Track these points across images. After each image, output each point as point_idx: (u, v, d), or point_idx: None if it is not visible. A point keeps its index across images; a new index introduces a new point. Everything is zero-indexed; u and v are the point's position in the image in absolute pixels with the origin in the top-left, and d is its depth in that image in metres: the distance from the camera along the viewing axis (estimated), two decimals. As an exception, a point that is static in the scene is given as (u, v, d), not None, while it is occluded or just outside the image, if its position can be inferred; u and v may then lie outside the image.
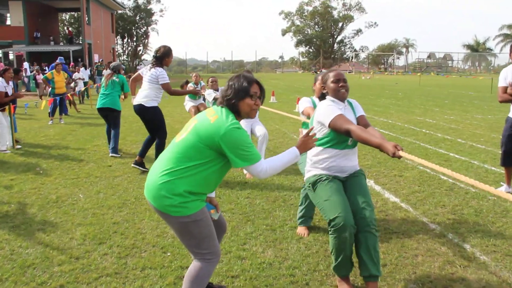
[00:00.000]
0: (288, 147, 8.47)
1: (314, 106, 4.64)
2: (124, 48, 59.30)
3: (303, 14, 78.17)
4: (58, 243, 4.10)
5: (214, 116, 2.66)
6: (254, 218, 4.77)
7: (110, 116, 8.14)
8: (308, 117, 4.54)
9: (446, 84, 34.54)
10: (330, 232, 3.19)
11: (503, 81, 5.47)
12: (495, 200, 5.40)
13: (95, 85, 22.97)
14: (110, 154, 7.88)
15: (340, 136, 3.33)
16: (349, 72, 63.87)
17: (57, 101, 12.36)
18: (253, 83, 2.76)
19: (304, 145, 2.85)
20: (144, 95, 6.48)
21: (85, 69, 20.47)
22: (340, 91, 3.42)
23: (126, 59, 58.27)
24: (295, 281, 3.45)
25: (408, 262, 3.78)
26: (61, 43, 40.81)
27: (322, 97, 3.64)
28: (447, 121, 12.80)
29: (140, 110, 6.52)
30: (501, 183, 6.16)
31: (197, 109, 9.92)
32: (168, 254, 3.89)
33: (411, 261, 3.79)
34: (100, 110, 8.11)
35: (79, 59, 34.76)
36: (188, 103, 10.17)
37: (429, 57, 75.60)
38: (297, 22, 78.98)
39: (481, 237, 4.29)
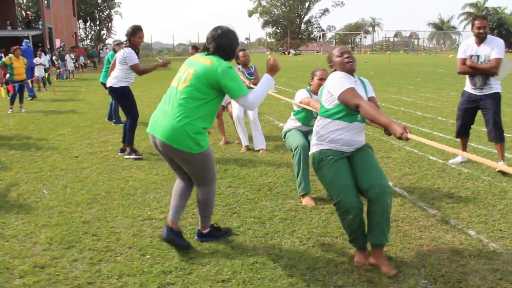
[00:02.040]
0: (272, 132, 8.06)
1: (311, 96, 4.73)
2: (87, 32, 57.46)
3: (270, -6, 77.32)
4: (20, 250, 3.58)
5: (209, 61, 3.25)
6: (239, 210, 4.35)
7: None
8: (307, 104, 4.56)
9: (415, 62, 34.65)
10: (338, 214, 3.25)
11: (463, 53, 5.57)
12: (490, 180, 5.14)
13: (58, 71, 21.93)
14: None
15: (349, 109, 3.16)
16: (317, 52, 63.70)
17: (17, 88, 11.54)
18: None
19: (273, 69, 3.46)
20: (114, 76, 6.43)
21: (45, 54, 19.38)
22: (347, 63, 3.31)
23: (90, 43, 56.45)
24: (294, 282, 3.06)
25: (414, 254, 3.44)
26: (20, 28, 38.97)
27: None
28: (423, 99, 12.62)
29: (110, 91, 6.55)
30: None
31: None
32: (147, 257, 3.44)
33: (417, 253, 3.45)
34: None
35: (40, 44, 33.31)
36: None
37: (395, 36, 76.10)
38: (264, 3, 78.11)
39: (485, 222, 4.00)
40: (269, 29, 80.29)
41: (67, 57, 23.16)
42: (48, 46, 31.30)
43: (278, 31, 79.90)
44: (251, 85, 6.08)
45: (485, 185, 4.97)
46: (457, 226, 3.93)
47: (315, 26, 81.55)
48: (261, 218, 4.15)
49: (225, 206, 4.45)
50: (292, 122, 4.94)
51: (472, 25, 5.49)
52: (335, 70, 3.39)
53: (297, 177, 4.58)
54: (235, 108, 6.83)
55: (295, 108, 4.88)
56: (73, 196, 4.81)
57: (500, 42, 5.41)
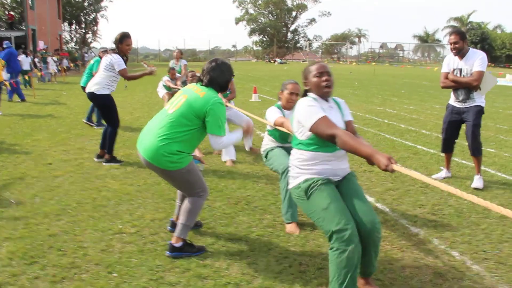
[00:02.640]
0: (253, 143, 7.90)
1: (283, 114, 4.28)
2: (72, 35, 56.80)
3: (257, 3, 77.58)
4: (-23, 265, 3.35)
5: (202, 92, 3.43)
6: (214, 225, 4.17)
7: None
8: (281, 126, 4.09)
9: (400, 74, 34.91)
10: (334, 249, 2.71)
11: (446, 66, 5.59)
12: (471, 192, 5.02)
13: (40, 73, 21.53)
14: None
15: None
16: (302, 62, 63.82)
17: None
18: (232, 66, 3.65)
19: (247, 130, 3.84)
20: (96, 82, 6.26)
21: (26, 56, 18.98)
22: (325, 87, 2.98)
23: (75, 46, 55.82)
24: (269, 306, 2.89)
25: (396, 276, 3.30)
26: (2, 29, 38.34)
27: (304, 93, 3.16)
28: (407, 111, 12.59)
29: (91, 97, 6.37)
30: (441, 167, 6.12)
31: (171, 96, 10.00)
32: (115, 275, 3.24)
33: (399, 275, 3.31)
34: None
35: (23, 46, 32.79)
36: (162, 90, 10.24)
37: (381, 47, 76.81)
38: (251, 11, 78.39)
39: (469, 242, 3.88)
40: (255, 37, 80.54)
41: (49, 59, 22.77)
42: (31, 48, 30.80)
43: (264, 39, 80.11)
44: (228, 104, 6.04)
45: (469, 203, 4.86)
46: (440, 246, 3.79)
47: (302, 35, 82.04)
48: (236, 234, 3.96)
49: (200, 220, 4.26)
50: (270, 140, 4.52)
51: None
52: (308, 89, 3.09)
53: (283, 203, 4.18)
54: None
55: (268, 128, 4.53)
56: (41, 207, 4.57)
57: (482, 55, 5.35)
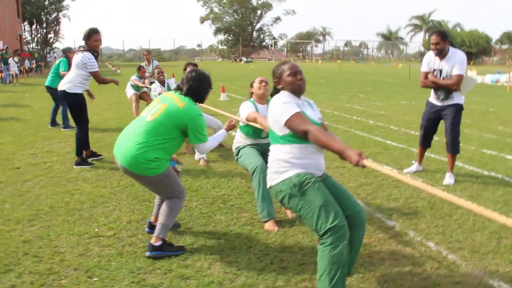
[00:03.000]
0: (225, 141, 7.87)
1: (257, 109, 4.33)
2: (33, 35, 55.29)
3: (222, 2, 77.29)
4: (-51, 275, 3.23)
5: (182, 103, 3.49)
6: (193, 225, 4.14)
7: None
8: (253, 121, 4.18)
9: (365, 72, 35.48)
10: (326, 244, 2.72)
11: (426, 66, 5.56)
12: (444, 190, 5.15)
13: (0, 75, 20.86)
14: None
15: None
16: (268, 60, 64.05)
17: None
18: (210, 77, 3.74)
19: (231, 127, 3.93)
20: (68, 80, 6.20)
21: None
22: (299, 85, 3.04)
23: (36, 47, 54.33)
24: (253, 304, 2.89)
25: (376, 269, 3.36)
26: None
27: (275, 92, 3.17)
28: (374, 107, 12.81)
29: (63, 96, 6.28)
30: (413, 161, 6.23)
31: (139, 97, 10.11)
32: (95, 279, 3.18)
33: (379, 268, 3.37)
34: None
35: (-20, 47, 31.68)
36: (130, 90, 10.16)
37: (346, 45, 77.85)
38: (216, 10, 78.05)
39: (443, 233, 3.99)
40: (221, 36, 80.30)
41: (10, 60, 22.10)
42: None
43: (230, 38, 79.91)
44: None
45: (440, 195, 4.99)
46: (416, 238, 3.89)
47: (267, 34, 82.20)
48: (216, 233, 3.96)
49: (178, 220, 4.23)
50: (242, 137, 4.50)
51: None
52: (281, 88, 3.10)
53: (258, 201, 4.16)
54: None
55: (241, 124, 4.50)
56: (12, 212, 4.43)
57: (462, 57, 5.35)
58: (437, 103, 5.60)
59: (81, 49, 6.17)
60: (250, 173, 4.24)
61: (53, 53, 38.89)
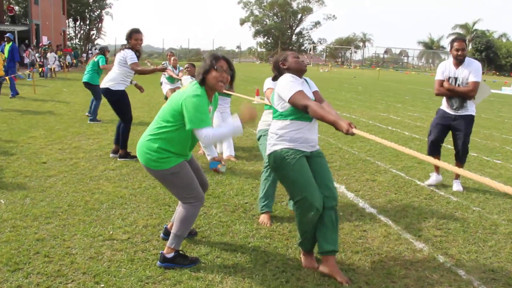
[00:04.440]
0: (254, 147, 7.71)
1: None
2: (77, 32, 56.76)
3: (262, 4, 77.39)
4: (-42, 271, 3.18)
5: (185, 87, 3.31)
6: (210, 234, 3.99)
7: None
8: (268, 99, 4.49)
9: (404, 80, 34.72)
10: (297, 211, 3.30)
11: (441, 74, 5.58)
12: (480, 212, 4.85)
13: (41, 69, 21.38)
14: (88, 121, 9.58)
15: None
16: (306, 64, 63.58)
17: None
18: (220, 59, 3.27)
19: (249, 117, 3.28)
20: (111, 78, 6.44)
21: (32, 50, 18.86)
22: (301, 66, 3.50)
23: (79, 43, 55.76)
24: (263, 326, 2.71)
25: (399, 296, 3.12)
26: (7, 23, 38.23)
27: (280, 74, 3.61)
28: (411, 118, 12.40)
29: (106, 93, 6.48)
30: (430, 174, 6.05)
31: (174, 92, 9.87)
32: (102, 285, 3.07)
33: (402, 295, 3.13)
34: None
35: (26, 41, 32.67)
36: (165, 86, 10.16)
37: (385, 52, 76.61)
38: (256, 12, 78.25)
39: (475, 260, 3.70)
40: (260, 39, 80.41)
41: (49, 55, 22.62)
42: (34, 43, 30.69)
43: (269, 41, 79.98)
44: (226, 91, 6.29)
45: (475, 217, 4.68)
46: (445, 264, 3.61)
47: (306, 38, 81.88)
48: (232, 244, 3.79)
49: (195, 227, 4.08)
50: (267, 119, 4.62)
51: (451, 47, 5.43)
52: (285, 69, 3.51)
53: (261, 193, 4.40)
54: (216, 123, 6.60)
55: (266, 102, 4.73)
56: (31, 208, 4.40)
57: (478, 65, 5.38)
58: (450, 111, 5.57)
59: (123, 47, 6.43)
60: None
61: (95, 49, 39.65)
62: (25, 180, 5.31)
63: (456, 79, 5.42)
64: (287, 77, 3.38)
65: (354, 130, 2.88)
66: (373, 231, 4.19)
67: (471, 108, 5.48)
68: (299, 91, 3.23)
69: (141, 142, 3.32)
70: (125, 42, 6.38)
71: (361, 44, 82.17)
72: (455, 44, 5.33)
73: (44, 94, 14.98)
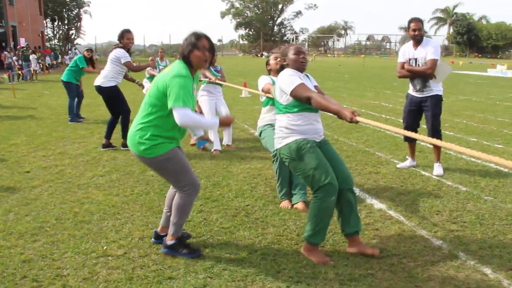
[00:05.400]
0: (248, 143, 7.41)
1: (273, 83, 4.67)
2: (55, 32, 55.70)
3: (243, -4, 76.79)
4: None
5: (168, 68, 3.22)
6: (212, 243, 3.68)
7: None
8: (268, 92, 4.64)
9: (390, 66, 34.61)
10: (318, 198, 3.28)
11: (402, 57, 5.63)
12: (493, 201, 4.62)
13: (20, 72, 20.78)
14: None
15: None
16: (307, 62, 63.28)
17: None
18: (201, 37, 3.19)
19: (226, 122, 3.36)
20: (103, 76, 6.80)
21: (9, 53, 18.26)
22: (301, 63, 3.54)
23: (58, 43, 54.75)
24: None
25: (426, 303, 2.85)
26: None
27: (281, 69, 3.63)
28: (403, 104, 12.14)
29: (98, 90, 6.87)
30: (406, 156, 6.13)
31: None
32: (99, 311, 2.75)
33: (430, 302, 2.86)
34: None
35: (3, 43, 31.87)
36: (146, 84, 10.25)
37: (368, 39, 76.60)
38: (237, 5, 77.64)
39: (499, 256, 3.45)
40: (242, 31, 79.91)
41: (31, 57, 22.02)
42: (11, 45, 29.91)
43: (251, 33, 79.50)
44: (217, 81, 6.79)
45: (489, 207, 4.44)
46: (468, 262, 3.36)
47: (288, 28, 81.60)
48: (238, 254, 3.48)
49: (196, 237, 3.78)
50: (265, 117, 4.80)
51: (408, 28, 5.50)
52: (286, 65, 3.57)
53: (277, 183, 4.62)
54: (206, 109, 6.89)
55: (261, 99, 4.90)
56: (15, 225, 4.04)
57: (435, 43, 5.43)
58: (416, 94, 5.59)
59: (115, 46, 6.83)
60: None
61: (75, 49, 38.91)
62: (7, 192, 4.94)
63: (416, 60, 5.46)
64: (287, 72, 3.45)
65: (358, 118, 2.96)
66: (386, 229, 3.93)
67: (436, 88, 5.47)
68: (300, 84, 3.30)
69: (132, 132, 3.26)
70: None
71: (343, 32, 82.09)
72: (412, 24, 5.38)
73: (25, 97, 14.48)
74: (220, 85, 7.02)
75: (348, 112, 2.98)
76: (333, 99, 3.37)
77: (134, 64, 6.95)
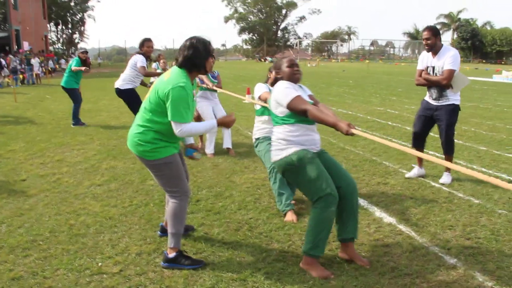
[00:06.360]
0: (251, 154, 7.22)
1: (270, 91, 4.59)
2: (59, 36, 55.75)
3: (246, 1, 76.81)
4: None
5: (167, 75, 3.21)
6: (214, 260, 3.48)
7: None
8: (265, 101, 4.59)
9: (394, 72, 34.41)
10: (317, 209, 3.23)
11: (420, 64, 5.52)
12: (507, 215, 4.41)
13: (22, 76, 20.66)
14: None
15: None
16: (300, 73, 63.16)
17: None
18: (211, 44, 3.27)
19: (226, 122, 3.44)
20: (122, 79, 7.51)
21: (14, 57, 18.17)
22: (295, 75, 3.57)
23: (61, 47, 54.80)
24: None
25: (443, 330, 2.64)
26: (-14, 30, 37.24)
27: (275, 82, 3.65)
28: (409, 111, 11.97)
29: (117, 93, 7.62)
30: (413, 165, 6.02)
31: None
32: (90, 337, 2.55)
33: (447, 329, 2.66)
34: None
35: (6, 47, 31.82)
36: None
37: (372, 44, 76.44)
38: (240, 9, 77.69)
39: (519, 277, 3.24)
40: (245, 36, 79.91)
41: (33, 61, 21.92)
42: (15, 49, 29.86)
43: (254, 38, 79.49)
44: (214, 87, 6.75)
45: (503, 222, 4.23)
46: (486, 284, 3.15)
47: (292, 33, 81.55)
48: (241, 272, 3.28)
49: (196, 253, 3.58)
50: (260, 127, 4.78)
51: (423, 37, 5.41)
52: (280, 78, 3.60)
53: (276, 196, 4.47)
54: (206, 115, 6.72)
55: (257, 107, 4.85)
56: (7, 237, 3.86)
57: (454, 53, 5.23)
58: (432, 102, 5.45)
59: (135, 53, 7.52)
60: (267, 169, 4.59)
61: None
62: (1, 202, 4.77)
63: (433, 68, 5.33)
64: (283, 84, 3.45)
65: (354, 131, 3.02)
66: (397, 246, 3.72)
67: (453, 98, 5.32)
68: (296, 96, 3.31)
69: (133, 133, 3.30)
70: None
71: (346, 37, 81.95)
72: (423, 33, 5.30)
73: (26, 102, 14.34)
74: (216, 91, 6.93)
75: (344, 124, 3.04)
76: (329, 110, 3.45)
77: (146, 70, 7.50)
